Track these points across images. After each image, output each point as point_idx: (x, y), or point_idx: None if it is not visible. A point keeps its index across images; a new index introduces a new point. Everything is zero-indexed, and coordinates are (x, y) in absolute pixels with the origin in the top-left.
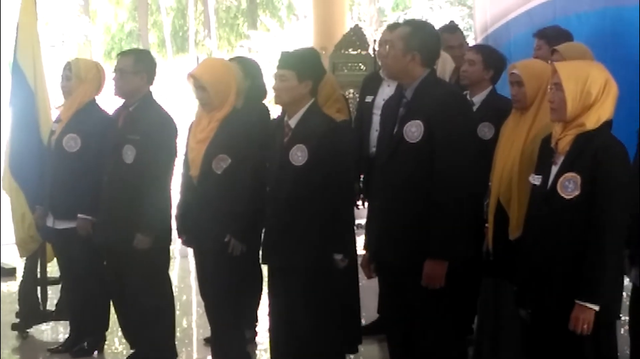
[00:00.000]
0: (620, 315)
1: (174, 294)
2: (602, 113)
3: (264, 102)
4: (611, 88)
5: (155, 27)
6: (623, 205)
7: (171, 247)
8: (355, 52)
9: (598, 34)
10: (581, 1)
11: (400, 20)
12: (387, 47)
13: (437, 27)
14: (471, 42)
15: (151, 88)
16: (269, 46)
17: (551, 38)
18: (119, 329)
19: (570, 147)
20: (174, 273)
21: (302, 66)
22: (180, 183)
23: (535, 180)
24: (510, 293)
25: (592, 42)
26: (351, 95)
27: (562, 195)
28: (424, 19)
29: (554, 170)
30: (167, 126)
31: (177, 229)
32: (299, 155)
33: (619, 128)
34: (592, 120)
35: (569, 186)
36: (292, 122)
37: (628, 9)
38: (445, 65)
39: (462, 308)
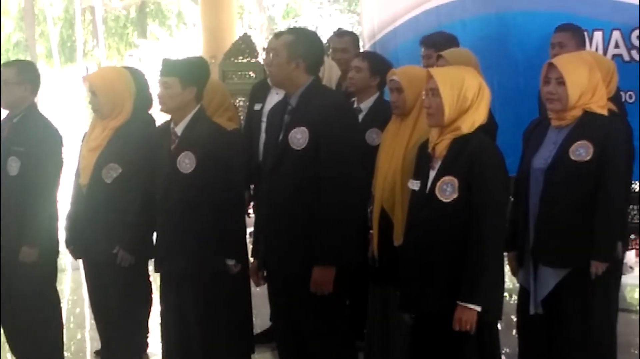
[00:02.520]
0: (512, 316)
1: (67, 307)
2: (476, 117)
3: (149, 111)
4: (485, 93)
5: (43, 37)
6: (500, 207)
7: (63, 259)
8: (244, 60)
9: (483, 39)
10: (465, 8)
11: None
12: (272, 55)
13: (327, 35)
14: None
15: (36, 99)
16: (158, 55)
17: (439, 45)
18: (7, 343)
19: (447, 151)
20: (66, 285)
21: (184, 72)
22: (71, 193)
23: (414, 185)
24: (397, 298)
25: (477, 47)
26: (241, 103)
27: (441, 198)
28: (313, 27)
29: (432, 174)
30: (52, 137)
31: (66, 240)
32: (186, 162)
33: (505, 131)
34: (468, 124)
35: (447, 190)
36: (179, 129)
37: (511, 14)
38: (331, 73)
39: (352, 314)
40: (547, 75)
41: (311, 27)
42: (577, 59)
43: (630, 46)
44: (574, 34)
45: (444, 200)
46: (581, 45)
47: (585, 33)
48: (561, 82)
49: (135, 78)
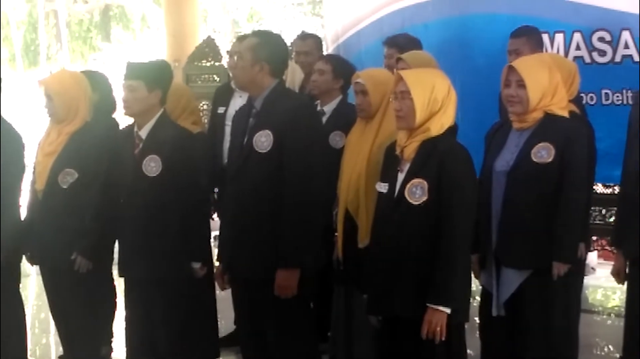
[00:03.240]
0: (475, 318)
1: (32, 311)
2: (445, 119)
3: (113, 115)
4: (452, 95)
5: (6, 41)
6: (468, 208)
7: (27, 264)
8: (208, 64)
9: (445, 41)
10: (428, 11)
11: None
12: (236, 58)
13: (291, 38)
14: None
15: None
16: (122, 59)
17: (402, 46)
18: None
19: (416, 153)
20: (30, 290)
21: (150, 76)
22: (28, 199)
23: (382, 187)
24: (362, 301)
25: (439, 49)
26: (205, 107)
27: (411, 201)
28: (277, 30)
29: (401, 177)
30: (13, 141)
31: (23, 246)
32: (152, 165)
33: (466, 133)
34: (437, 127)
35: (417, 192)
36: (143, 133)
37: (473, 17)
38: (294, 76)
39: (316, 316)
40: (508, 78)
41: (275, 30)
42: (537, 61)
43: (591, 48)
44: (528, 39)
45: (414, 203)
46: (537, 48)
47: (547, 35)
48: (522, 84)
49: (99, 82)
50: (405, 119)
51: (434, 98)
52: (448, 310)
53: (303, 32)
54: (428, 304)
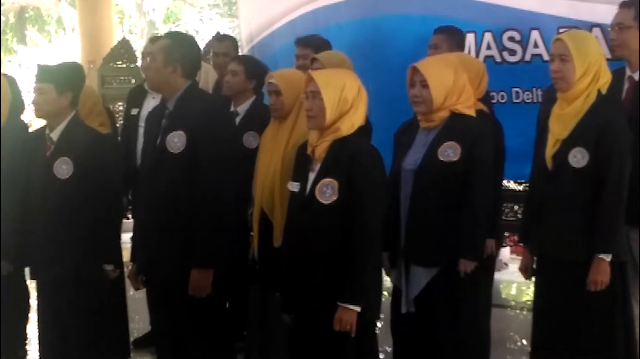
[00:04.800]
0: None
1: None
2: (355, 119)
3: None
4: (363, 95)
5: None
6: (378, 207)
7: None
8: (124, 65)
9: (359, 42)
10: (341, 11)
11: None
12: (149, 59)
13: (207, 39)
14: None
15: None
16: (38, 61)
17: (316, 47)
18: None
19: (327, 153)
20: None
21: (60, 78)
22: None
23: (294, 187)
24: (277, 300)
25: (353, 50)
26: (121, 108)
27: (321, 200)
28: (193, 32)
29: (312, 176)
30: None
31: None
32: (64, 168)
33: (380, 133)
34: (347, 126)
35: (327, 192)
36: (55, 135)
37: (386, 17)
38: (207, 77)
39: (232, 315)
40: (412, 78)
41: (192, 32)
42: (441, 61)
43: (501, 47)
44: (449, 36)
45: (324, 202)
46: (455, 47)
47: None
48: (425, 84)
49: (9, 85)
50: (315, 119)
51: (344, 98)
52: (358, 308)
53: (218, 33)
54: (338, 303)
